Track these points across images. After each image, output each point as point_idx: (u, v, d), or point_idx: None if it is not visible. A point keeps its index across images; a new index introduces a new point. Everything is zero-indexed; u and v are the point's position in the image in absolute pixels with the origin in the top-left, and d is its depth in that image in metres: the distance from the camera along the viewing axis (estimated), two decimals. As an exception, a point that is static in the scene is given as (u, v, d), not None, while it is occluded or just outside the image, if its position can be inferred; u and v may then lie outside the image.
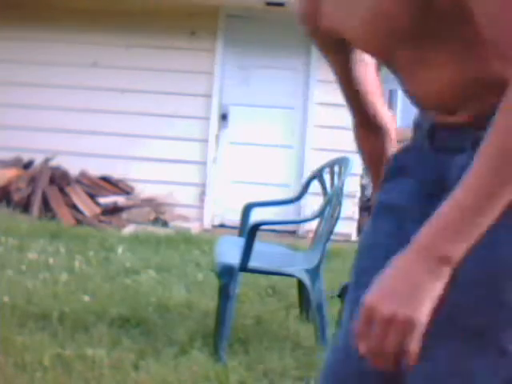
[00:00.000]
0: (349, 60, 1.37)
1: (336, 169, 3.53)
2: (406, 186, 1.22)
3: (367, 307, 0.97)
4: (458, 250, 0.95)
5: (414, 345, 0.96)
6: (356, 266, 1.39)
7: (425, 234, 0.96)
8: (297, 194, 3.91)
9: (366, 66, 1.47)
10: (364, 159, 1.60)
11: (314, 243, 3.51)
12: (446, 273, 0.95)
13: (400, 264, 0.97)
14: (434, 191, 1.11)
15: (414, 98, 1.23)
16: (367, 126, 1.50)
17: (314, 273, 3.09)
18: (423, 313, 0.95)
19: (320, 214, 3.13)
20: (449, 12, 1.03)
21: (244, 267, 3.02)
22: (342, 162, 3.44)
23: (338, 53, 1.35)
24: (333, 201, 3.15)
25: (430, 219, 0.97)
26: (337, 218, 3.14)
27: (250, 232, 3.04)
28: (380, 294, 0.97)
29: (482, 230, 0.94)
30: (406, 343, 0.96)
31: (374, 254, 1.29)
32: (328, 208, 3.19)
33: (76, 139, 7.29)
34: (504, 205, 0.93)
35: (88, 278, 4.21)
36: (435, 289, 0.95)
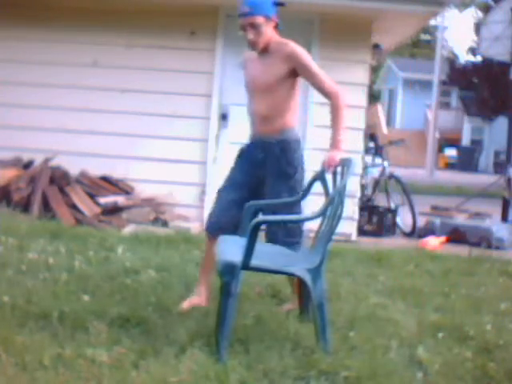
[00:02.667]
0: None
1: (338, 169, 3.53)
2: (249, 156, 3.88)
3: (331, 157, 3.57)
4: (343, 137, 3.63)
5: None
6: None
7: (337, 140, 3.65)
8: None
9: None
10: None
11: (315, 243, 3.51)
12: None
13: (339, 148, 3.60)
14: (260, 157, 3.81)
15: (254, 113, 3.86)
16: None
17: (316, 272, 3.09)
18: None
19: (322, 213, 3.13)
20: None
21: (246, 265, 3.02)
22: (344, 163, 3.44)
23: None
24: (335, 200, 3.15)
25: (333, 139, 3.67)
26: (339, 218, 3.14)
27: (252, 230, 3.04)
28: (334, 154, 3.56)
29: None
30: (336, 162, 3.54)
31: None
32: (330, 208, 3.19)
33: (76, 139, 7.29)
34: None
35: (88, 278, 4.21)
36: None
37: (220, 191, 3.95)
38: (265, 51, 3.70)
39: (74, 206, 6.63)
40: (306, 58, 3.66)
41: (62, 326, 3.21)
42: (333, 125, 3.66)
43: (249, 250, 3.01)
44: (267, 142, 3.77)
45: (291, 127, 3.80)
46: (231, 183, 3.88)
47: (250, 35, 3.61)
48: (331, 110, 3.67)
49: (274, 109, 3.72)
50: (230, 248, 3.25)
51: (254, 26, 3.60)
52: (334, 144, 3.60)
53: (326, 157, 3.56)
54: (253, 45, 3.66)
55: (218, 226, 3.78)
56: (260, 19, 3.60)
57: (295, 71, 3.66)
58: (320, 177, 3.55)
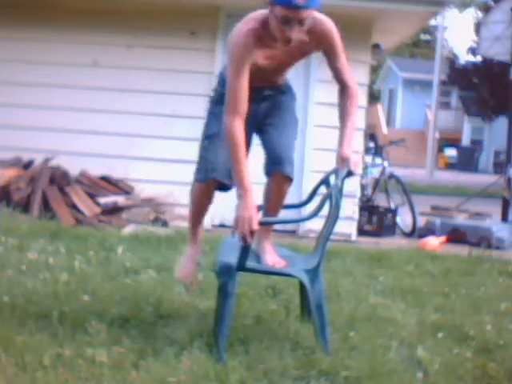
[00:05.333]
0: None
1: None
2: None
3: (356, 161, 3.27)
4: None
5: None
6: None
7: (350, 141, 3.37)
8: (302, 197, 3.89)
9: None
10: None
11: (316, 244, 3.50)
12: None
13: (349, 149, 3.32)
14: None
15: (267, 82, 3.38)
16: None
17: (314, 273, 3.08)
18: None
19: (316, 213, 3.09)
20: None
21: (242, 267, 3.02)
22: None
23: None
24: (331, 199, 3.13)
25: (348, 137, 3.41)
26: (336, 219, 3.12)
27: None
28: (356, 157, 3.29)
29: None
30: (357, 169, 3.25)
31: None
32: (326, 207, 3.18)
33: (76, 139, 7.29)
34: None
35: (88, 278, 4.21)
36: None
37: (213, 137, 3.44)
38: None
39: (74, 206, 6.63)
40: (339, 39, 3.27)
41: (62, 326, 3.21)
42: (347, 121, 3.35)
43: (244, 252, 3.00)
44: (269, 90, 3.43)
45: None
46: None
47: (294, 32, 2.96)
48: (345, 105, 3.36)
49: (285, 74, 3.44)
50: (230, 249, 3.25)
51: (303, 22, 2.96)
52: (350, 143, 3.30)
53: (352, 162, 3.19)
54: (289, 42, 3.01)
55: (219, 173, 3.43)
56: (310, 13, 2.97)
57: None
58: (325, 181, 3.48)
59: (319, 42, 3.19)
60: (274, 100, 3.43)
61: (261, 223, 3.16)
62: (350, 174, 3.13)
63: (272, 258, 3.25)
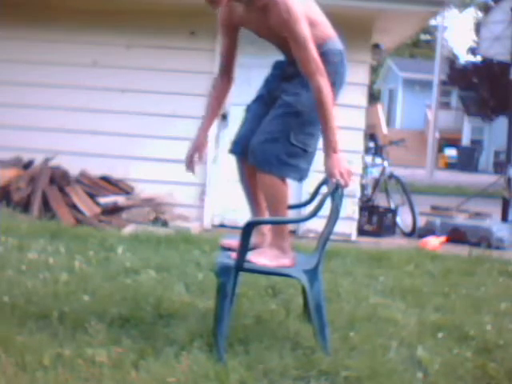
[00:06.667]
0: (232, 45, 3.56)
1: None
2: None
3: (332, 165, 3.05)
4: (337, 143, 3.04)
5: (349, 175, 3.08)
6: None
7: (328, 145, 3.05)
8: (302, 197, 3.88)
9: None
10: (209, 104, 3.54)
11: (317, 244, 3.49)
12: (339, 152, 3.04)
13: (330, 160, 3.04)
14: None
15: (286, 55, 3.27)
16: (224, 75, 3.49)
17: (313, 274, 3.07)
18: (345, 164, 3.08)
19: (314, 214, 3.08)
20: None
21: (240, 267, 3.01)
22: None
23: (228, 38, 3.59)
24: (332, 199, 3.12)
25: (326, 139, 3.06)
26: (335, 219, 3.12)
27: (244, 231, 3.01)
28: (336, 165, 3.04)
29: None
30: (347, 173, 3.06)
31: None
32: (327, 208, 3.17)
33: (76, 139, 7.29)
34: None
35: (88, 278, 4.21)
36: (341, 158, 3.06)
37: (248, 107, 3.42)
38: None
39: (74, 206, 6.63)
40: (291, 23, 2.99)
41: (62, 326, 3.21)
42: (321, 123, 3.07)
43: (242, 252, 2.99)
44: (291, 67, 3.21)
45: (328, 38, 3.23)
46: (257, 97, 3.39)
47: None
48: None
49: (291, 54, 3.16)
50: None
51: None
52: (329, 147, 3.04)
53: (327, 167, 3.05)
54: (211, 2, 3.32)
55: (236, 144, 3.37)
56: None
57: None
58: (326, 181, 3.46)
59: (267, 17, 3.06)
60: (286, 91, 3.23)
61: (258, 223, 3.16)
62: (338, 187, 3.05)
63: (255, 255, 3.14)
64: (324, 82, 3.00)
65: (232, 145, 3.41)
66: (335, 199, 3.08)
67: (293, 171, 3.17)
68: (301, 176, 3.22)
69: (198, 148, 3.59)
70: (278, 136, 3.15)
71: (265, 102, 3.32)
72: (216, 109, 3.55)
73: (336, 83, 3.18)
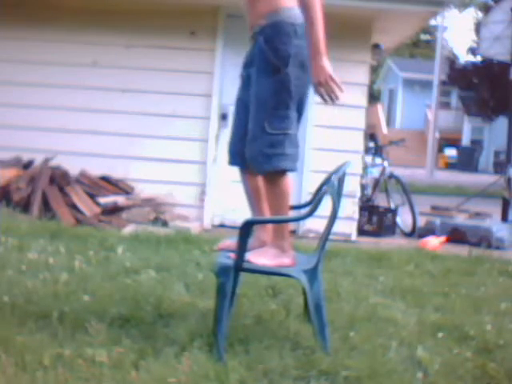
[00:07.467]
0: None
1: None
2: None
3: (320, 82, 3.01)
4: (324, 49, 3.00)
5: (336, 83, 2.99)
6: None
7: (314, 51, 2.99)
8: (302, 197, 3.86)
9: None
10: None
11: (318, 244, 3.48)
12: (326, 57, 3.01)
13: (316, 65, 3.01)
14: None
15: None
16: None
17: (312, 273, 3.07)
18: (331, 70, 3.01)
19: (312, 212, 3.06)
20: None
21: (239, 266, 3.01)
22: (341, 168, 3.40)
23: None
24: (333, 199, 3.12)
25: (312, 46, 2.99)
26: (334, 218, 3.11)
27: (242, 230, 2.98)
28: (320, 76, 3.02)
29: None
30: (332, 80, 2.97)
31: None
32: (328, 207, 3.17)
33: (76, 139, 7.29)
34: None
35: (88, 278, 4.20)
36: (327, 63, 3.00)
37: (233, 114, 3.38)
38: None
39: (74, 206, 6.63)
40: None
41: (62, 326, 3.21)
42: (307, 25, 3.02)
43: (241, 252, 2.99)
44: (254, 34, 3.12)
45: (281, 8, 3.06)
46: (236, 103, 3.34)
47: None
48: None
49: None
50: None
51: None
52: (315, 49, 2.98)
53: (312, 76, 2.99)
54: None
55: (232, 155, 3.36)
56: None
57: None
58: (327, 182, 3.44)
59: None
60: (254, 73, 3.13)
61: (255, 222, 3.15)
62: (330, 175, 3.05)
63: (254, 255, 3.12)
64: None
65: (229, 157, 3.41)
66: (332, 195, 3.07)
67: (282, 160, 3.08)
68: (292, 162, 3.14)
69: None
70: (254, 133, 3.11)
71: (244, 104, 3.23)
72: None
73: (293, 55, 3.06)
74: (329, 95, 3.02)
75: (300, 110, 3.19)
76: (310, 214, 3.04)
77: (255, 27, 3.11)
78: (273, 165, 3.08)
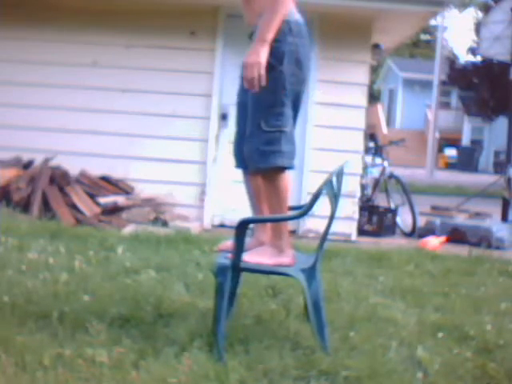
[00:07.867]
0: None
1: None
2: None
3: (247, 63, 2.95)
4: (269, 39, 2.96)
5: (261, 72, 2.94)
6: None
7: (258, 37, 2.96)
8: (302, 197, 3.84)
9: None
10: None
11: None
12: (267, 46, 2.96)
13: (253, 48, 2.96)
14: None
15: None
16: None
17: (310, 273, 3.07)
18: (263, 58, 2.94)
19: (307, 210, 3.04)
20: None
21: (236, 266, 3.01)
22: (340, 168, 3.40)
23: None
24: (324, 199, 3.10)
25: (256, 34, 2.99)
26: (332, 218, 3.11)
27: (238, 229, 2.97)
28: (250, 58, 2.96)
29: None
30: (259, 73, 2.94)
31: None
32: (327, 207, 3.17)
33: (76, 139, 7.29)
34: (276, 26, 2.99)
35: (88, 278, 4.21)
36: (265, 51, 2.95)
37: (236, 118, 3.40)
38: None
39: (74, 206, 6.63)
40: None
41: (62, 326, 3.21)
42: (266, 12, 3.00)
43: (238, 251, 2.99)
44: (251, 33, 3.14)
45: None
46: (237, 107, 3.37)
47: None
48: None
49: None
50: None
51: None
52: (260, 35, 2.98)
53: (249, 51, 2.99)
54: None
55: (238, 158, 3.35)
56: None
57: None
58: (328, 182, 3.43)
59: None
60: None
61: (251, 221, 3.14)
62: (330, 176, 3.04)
63: (252, 255, 3.13)
64: None
65: (234, 160, 3.40)
66: (328, 195, 3.07)
67: (278, 157, 3.08)
68: (288, 159, 3.13)
69: None
70: (251, 131, 3.12)
71: (245, 107, 3.23)
72: None
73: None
74: (249, 81, 2.99)
75: (296, 108, 3.19)
76: (305, 213, 3.02)
77: (252, 26, 3.14)
78: (269, 162, 3.08)
